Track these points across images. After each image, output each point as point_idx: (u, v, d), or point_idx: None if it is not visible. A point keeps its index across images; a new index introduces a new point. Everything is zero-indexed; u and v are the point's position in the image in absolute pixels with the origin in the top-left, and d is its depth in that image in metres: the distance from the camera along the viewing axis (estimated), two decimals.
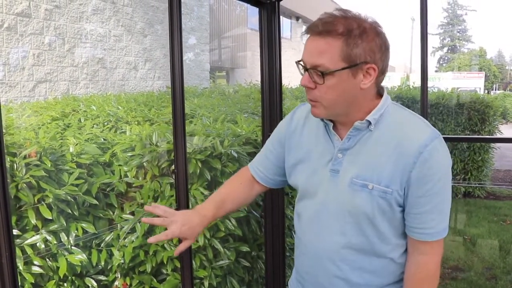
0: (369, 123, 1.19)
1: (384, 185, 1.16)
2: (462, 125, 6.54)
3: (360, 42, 1.11)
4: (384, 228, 1.20)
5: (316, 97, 1.17)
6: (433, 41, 48.30)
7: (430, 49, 45.74)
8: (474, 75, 28.43)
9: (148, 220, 1.28)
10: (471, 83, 24.48)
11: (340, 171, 1.22)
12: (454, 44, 47.35)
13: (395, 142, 1.16)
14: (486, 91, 27.91)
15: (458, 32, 47.68)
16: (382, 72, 1.17)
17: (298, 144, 1.34)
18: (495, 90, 34.19)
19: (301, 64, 1.17)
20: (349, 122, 1.21)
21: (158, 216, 1.29)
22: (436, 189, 1.15)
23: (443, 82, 21.71)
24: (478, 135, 6.41)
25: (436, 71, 40.60)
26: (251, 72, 13.30)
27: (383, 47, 1.15)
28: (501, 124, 7.02)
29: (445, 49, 48.01)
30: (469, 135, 6.49)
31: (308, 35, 1.16)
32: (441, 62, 47.78)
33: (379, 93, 1.23)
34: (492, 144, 6.67)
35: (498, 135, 6.67)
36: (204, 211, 1.35)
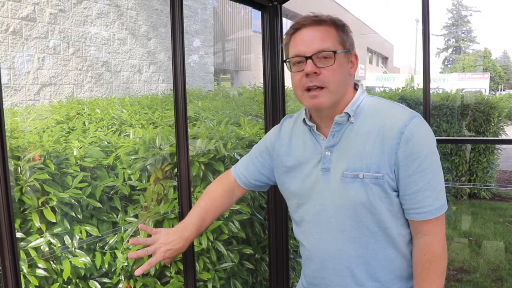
0: (348, 115, 1.25)
1: (374, 171, 1.20)
2: (467, 127, 6.51)
3: (346, 31, 1.26)
4: (384, 217, 1.22)
5: (323, 81, 1.22)
6: (438, 42, 48.33)
7: (434, 50, 45.94)
8: (479, 76, 28.32)
9: (133, 255, 1.34)
10: (476, 84, 24.38)
11: (330, 169, 1.25)
12: (458, 45, 47.22)
13: (377, 129, 1.21)
14: (493, 92, 27.74)
15: (463, 33, 47.56)
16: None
17: (288, 154, 1.39)
18: (501, 90, 34.02)
19: (298, 57, 1.23)
20: (332, 119, 1.26)
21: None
22: (425, 166, 1.19)
23: (447, 83, 21.62)
24: (483, 136, 6.38)
25: (440, 72, 40.50)
26: (256, 75, 13.31)
27: (354, 42, 1.29)
28: (507, 126, 6.98)
29: (450, 50, 47.87)
30: (474, 136, 6.46)
31: (298, 31, 1.25)
32: (445, 63, 47.68)
33: (355, 88, 1.32)
34: (498, 146, 6.63)
35: (504, 137, 6.63)
36: (186, 234, 1.41)
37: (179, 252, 1.40)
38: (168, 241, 1.36)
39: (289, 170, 1.36)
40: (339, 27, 1.24)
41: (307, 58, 1.20)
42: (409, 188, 1.19)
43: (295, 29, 1.25)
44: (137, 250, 1.36)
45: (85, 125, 3.12)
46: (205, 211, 1.46)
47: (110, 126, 3.06)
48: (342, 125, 1.25)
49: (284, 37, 1.32)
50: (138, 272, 1.30)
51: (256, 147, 1.52)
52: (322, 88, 1.21)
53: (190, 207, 1.91)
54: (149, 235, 1.41)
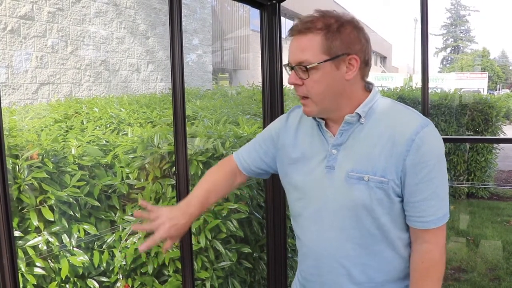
0: (359, 116, 1.22)
1: (380, 175, 1.18)
2: (465, 126, 6.53)
3: (338, 35, 1.17)
4: (384, 220, 1.21)
5: (305, 92, 1.21)
6: (436, 42, 48.41)
7: (433, 50, 45.96)
8: (477, 76, 28.37)
9: (138, 227, 1.30)
10: (474, 83, 24.43)
11: (335, 167, 1.24)
12: (457, 44, 47.29)
13: (387, 133, 1.19)
14: (491, 92, 27.76)
15: (461, 32, 47.64)
16: (365, 63, 1.22)
17: (293, 145, 1.36)
18: (499, 90, 34.06)
19: (289, 66, 1.23)
20: (341, 118, 1.24)
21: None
22: (432, 175, 1.17)
23: (446, 83, 21.65)
24: (481, 135, 6.39)
25: (439, 72, 40.56)
26: (254, 74, 13.32)
27: (362, 40, 1.20)
28: (505, 125, 6.98)
29: (448, 50, 47.95)
30: (472, 135, 6.47)
31: (290, 37, 1.22)
32: (444, 62, 47.75)
33: (368, 88, 1.27)
34: (496, 145, 6.64)
35: (502, 136, 6.64)
36: (191, 210, 1.36)
37: (183, 228, 1.34)
38: (172, 216, 1.31)
39: (293, 162, 1.34)
40: (330, 31, 1.17)
41: (292, 68, 1.21)
42: (414, 196, 1.18)
43: (289, 35, 1.23)
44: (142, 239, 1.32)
45: (83, 124, 3.13)
46: (208, 191, 1.42)
47: (108, 125, 3.07)
48: (352, 124, 1.23)
49: None
50: (142, 248, 1.25)
51: (260, 135, 1.50)
52: (307, 97, 1.21)
53: None
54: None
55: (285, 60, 1.27)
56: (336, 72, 1.19)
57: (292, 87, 1.30)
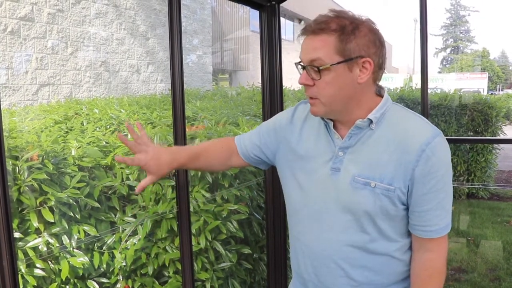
0: (371, 121, 1.20)
1: (387, 183, 1.17)
2: (465, 126, 6.52)
3: (353, 37, 1.15)
4: (386, 226, 1.21)
5: (315, 93, 1.19)
6: (436, 42, 48.41)
7: (433, 50, 45.97)
8: (477, 76, 28.34)
9: (122, 138, 1.26)
10: (474, 83, 24.40)
11: (341, 169, 1.22)
12: (457, 45, 47.30)
13: (397, 141, 1.18)
14: (491, 92, 27.74)
15: (461, 33, 47.66)
16: (379, 67, 1.19)
17: (297, 142, 1.34)
18: (499, 90, 34.04)
19: (300, 64, 1.21)
20: (350, 121, 1.22)
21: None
22: (440, 186, 1.17)
23: (446, 83, 21.63)
24: (481, 136, 6.39)
25: (439, 72, 40.54)
26: (254, 74, 13.32)
27: (377, 42, 1.18)
28: (505, 125, 6.97)
29: (448, 50, 47.96)
30: (472, 136, 6.47)
31: (304, 36, 1.20)
32: (444, 63, 47.76)
33: (380, 93, 1.25)
34: (496, 145, 6.64)
35: (502, 136, 6.64)
36: (177, 155, 1.35)
37: (163, 167, 1.30)
38: (157, 149, 1.29)
39: (296, 159, 1.33)
40: (344, 33, 1.14)
41: (303, 67, 1.19)
42: (420, 206, 1.18)
43: (302, 34, 1.21)
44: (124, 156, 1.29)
45: (83, 125, 3.12)
46: (200, 152, 1.42)
47: (108, 126, 3.07)
48: (362, 129, 1.22)
49: None
50: (118, 158, 1.24)
51: (264, 125, 1.48)
52: (316, 98, 1.20)
53: (188, 207, 1.91)
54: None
55: (296, 58, 1.23)
56: (348, 75, 1.16)
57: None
